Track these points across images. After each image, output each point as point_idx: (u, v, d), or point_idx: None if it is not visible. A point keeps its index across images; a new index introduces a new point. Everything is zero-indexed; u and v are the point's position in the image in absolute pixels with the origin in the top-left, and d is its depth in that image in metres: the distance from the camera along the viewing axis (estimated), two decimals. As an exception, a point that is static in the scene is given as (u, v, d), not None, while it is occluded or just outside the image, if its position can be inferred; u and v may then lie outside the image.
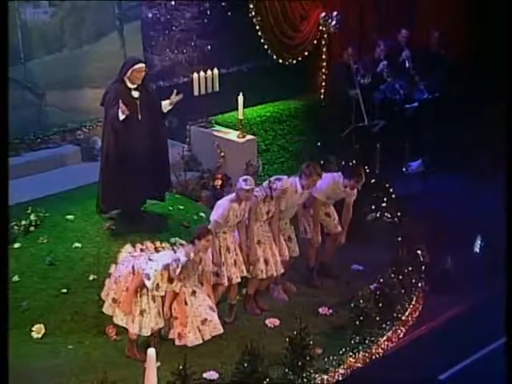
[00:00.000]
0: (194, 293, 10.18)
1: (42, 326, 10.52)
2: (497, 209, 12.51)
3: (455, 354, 10.41)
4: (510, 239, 4.73)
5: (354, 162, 14.65)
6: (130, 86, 11.01)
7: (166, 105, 11.33)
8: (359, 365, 10.26)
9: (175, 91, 11.38)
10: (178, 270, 9.78)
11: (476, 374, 10.09)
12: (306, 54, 15.83)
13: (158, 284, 9.69)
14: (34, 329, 10.50)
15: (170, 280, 9.78)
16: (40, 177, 11.54)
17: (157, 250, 11.07)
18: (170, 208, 12.23)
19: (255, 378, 9.50)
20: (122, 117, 10.78)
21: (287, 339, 10.01)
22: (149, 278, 9.65)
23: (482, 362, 10.40)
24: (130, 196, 11.38)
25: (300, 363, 9.83)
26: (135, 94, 11.04)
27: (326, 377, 9.94)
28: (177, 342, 10.05)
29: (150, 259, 10.02)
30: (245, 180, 10.73)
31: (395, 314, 11.02)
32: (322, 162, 15.06)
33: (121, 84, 11.02)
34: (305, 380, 9.79)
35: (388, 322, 10.88)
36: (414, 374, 9.99)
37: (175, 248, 10.40)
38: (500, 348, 10.66)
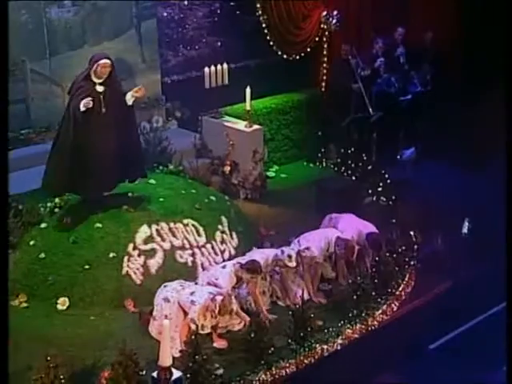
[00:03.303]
0: None
1: (66, 299, 10.57)
2: (483, 193, 12.65)
3: (444, 326, 10.52)
4: (509, 238, 4.69)
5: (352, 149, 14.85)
6: (95, 80, 10.89)
7: (129, 98, 11.11)
8: (356, 336, 10.31)
9: (140, 86, 11.25)
10: (216, 310, 9.71)
11: (462, 344, 10.20)
12: (309, 50, 15.79)
13: (202, 325, 9.56)
14: (59, 301, 10.55)
15: (212, 317, 9.70)
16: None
17: (171, 231, 11.33)
18: (183, 191, 12.22)
19: (261, 347, 9.62)
20: (82, 108, 10.68)
21: (290, 312, 10.18)
22: (194, 323, 9.55)
23: (468, 334, 10.51)
24: (84, 183, 11.23)
25: (302, 334, 9.96)
26: (100, 88, 10.91)
27: (325, 347, 10.01)
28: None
29: (192, 293, 9.89)
30: (289, 256, 10.62)
31: (389, 290, 11.05)
32: (322, 150, 15.29)
33: (86, 77, 10.91)
34: (306, 349, 9.89)
35: (383, 297, 10.92)
36: (407, 344, 10.10)
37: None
38: (484, 321, 10.82)
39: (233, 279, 10.21)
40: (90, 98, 10.78)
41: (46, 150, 12.87)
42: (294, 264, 10.57)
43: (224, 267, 10.35)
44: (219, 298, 9.82)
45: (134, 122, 11.64)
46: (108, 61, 10.88)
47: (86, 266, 10.84)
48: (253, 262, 10.27)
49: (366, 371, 9.84)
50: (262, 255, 10.65)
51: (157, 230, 11.28)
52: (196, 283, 10.46)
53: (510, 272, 4.83)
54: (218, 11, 15.31)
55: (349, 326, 10.39)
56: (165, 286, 10.22)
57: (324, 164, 15.20)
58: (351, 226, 11.68)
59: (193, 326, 9.55)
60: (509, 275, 4.83)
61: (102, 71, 10.84)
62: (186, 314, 9.81)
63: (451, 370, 9.43)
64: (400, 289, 11.21)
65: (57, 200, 11.63)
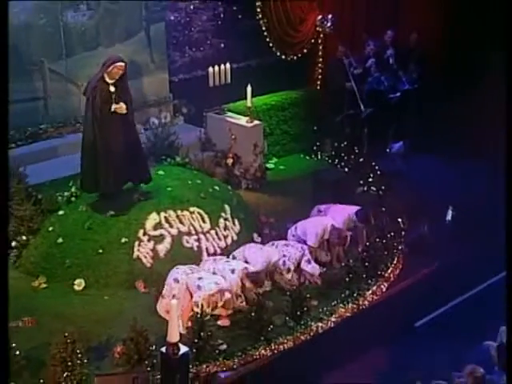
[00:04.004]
0: None
1: (82, 280, 10.61)
2: (466, 183, 12.69)
3: (429, 305, 10.57)
4: (509, 236, 4.62)
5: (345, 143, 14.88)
6: (108, 80, 10.84)
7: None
8: (348, 314, 10.33)
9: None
10: (220, 303, 9.79)
11: (446, 322, 10.25)
12: (305, 51, 15.73)
13: (204, 310, 9.49)
14: (75, 283, 10.58)
15: (215, 307, 9.75)
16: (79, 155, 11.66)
17: (178, 218, 11.33)
18: (189, 182, 12.20)
19: (261, 324, 9.66)
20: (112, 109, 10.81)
21: (288, 293, 10.23)
22: (197, 306, 9.54)
23: (451, 313, 10.56)
24: (102, 180, 11.17)
25: (299, 313, 10.00)
26: (112, 88, 10.85)
27: (320, 324, 10.05)
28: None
29: (199, 278, 9.92)
30: (288, 270, 10.69)
31: (379, 272, 11.07)
32: (318, 144, 15.31)
33: (100, 78, 10.87)
34: (303, 327, 9.94)
35: (373, 279, 10.95)
36: (395, 321, 10.13)
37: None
38: (466, 301, 10.86)
39: (239, 285, 10.16)
40: (123, 105, 10.84)
41: (63, 143, 13.03)
42: (289, 277, 10.60)
43: (233, 272, 10.18)
44: (227, 296, 9.89)
45: (134, 122, 11.60)
46: (123, 63, 10.85)
47: (100, 251, 10.87)
48: (258, 275, 10.26)
49: (357, 347, 9.85)
50: (265, 259, 10.61)
51: (165, 217, 11.29)
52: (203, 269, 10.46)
53: (509, 271, 4.76)
54: (221, 15, 15.26)
55: (342, 305, 10.41)
56: (177, 268, 10.28)
57: (319, 157, 15.15)
58: (340, 214, 11.71)
59: (195, 309, 9.56)
60: (508, 274, 4.76)
61: (116, 72, 10.80)
62: (191, 295, 9.85)
63: (435, 345, 9.47)
64: (389, 271, 11.22)
65: (73, 189, 11.63)
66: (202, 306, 9.49)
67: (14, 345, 8.70)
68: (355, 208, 11.77)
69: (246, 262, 10.60)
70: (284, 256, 10.80)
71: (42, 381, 8.72)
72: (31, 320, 9.23)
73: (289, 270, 10.65)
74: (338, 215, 11.68)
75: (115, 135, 11.01)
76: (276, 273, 10.73)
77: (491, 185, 12.18)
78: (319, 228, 11.34)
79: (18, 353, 8.71)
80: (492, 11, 13.83)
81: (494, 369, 8.49)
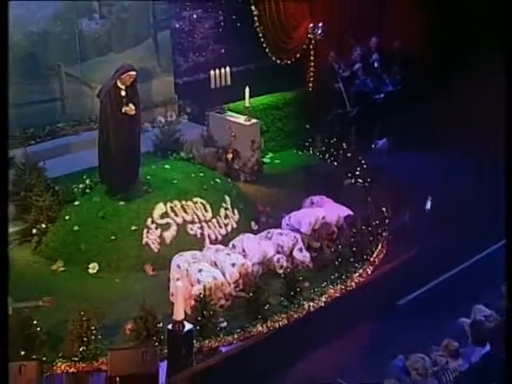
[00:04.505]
0: None
1: (96, 264, 10.66)
2: (443, 175, 12.70)
3: (410, 286, 10.57)
4: (509, 235, 4.54)
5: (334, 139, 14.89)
6: (121, 86, 10.85)
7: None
8: (337, 294, 10.39)
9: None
10: (218, 293, 9.77)
11: (425, 301, 10.26)
12: (298, 55, 15.69)
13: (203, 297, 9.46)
14: (89, 266, 10.64)
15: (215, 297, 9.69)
16: (94, 151, 11.65)
17: (183, 208, 11.36)
18: (193, 175, 12.22)
19: (257, 304, 9.73)
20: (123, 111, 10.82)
21: (283, 275, 10.30)
22: (197, 298, 9.49)
23: (430, 293, 10.57)
24: (115, 174, 11.27)
25: (292, 293, 10.07)
26: (123, 92, 10.86)
27: (311, 303, 10.11)
28: None
29: (199, 270, 9.91)
30: (281, 266, 10.60)
31: (365, 257, 11.11)
32: (310, 140, 15.32)
33: (113, 84, 10.88)
34: (296, 306, 9.99)
35: (359, 263, 10.99)
36: (379, 301, 10.08)
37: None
38: (443, 282, 10.87)
39: (237, 277, 10.17)
40: (133, 107, 10.86)
41: (78, 140, 13.02)
42: (280, 272, 10.52)
43: (233, 265, 10.17)
44: (225, 287, 9.91)
45: (140, 121, 11.64)
46: (134, 72, 10.90)
47: (112, 237, 10.91)
48: (254, 278, 10.19)
49: (345, 324, 9.79)
50: (261, 253, 10.61)
51: (171, 207, 11.32)
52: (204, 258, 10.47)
53: (509, 270, 4.75)
54: (222, 23, 15.21)
55: (331, 286, 10.47)
56: (180, 255, 10.31)
57: (311, 152, 15.11)
58: (333, 211, 11.69)
59: (194, 301, 9.56)
60: (508, 273, 4.75)
61: (128, 79, 10.83)
62: (192, 284, 9.87)
63: (416, 321, 9.48)
64: (374, 256, 11.26)
65: (87, 182, 11.64)
66: (204, 295, 9.44)
67: (35, 322, 8.79)
68: (347, 212, 11.75)
69: (244, 252, 10.61)
70: (278, 253, 10.78)
71: (60, 354, 8.82)
72: (50, 300, 9.26)
73: (281, 267, 10.59)
74: (331, 212, 11.66)
75: (125, 133, 11.06)
76: (270, 265, 10.73)
77: (466, 176, 12.24)
78: (312, 218, 11.36)
79: (38, 329, 8.79)
80: (470, 19, 13.86)
81: (468, 342, 8.55)
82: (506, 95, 4.80)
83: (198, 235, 11.26)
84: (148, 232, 11.00)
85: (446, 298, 9.90)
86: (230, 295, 10.05)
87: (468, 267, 11.05)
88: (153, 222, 11.09)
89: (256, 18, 15.06)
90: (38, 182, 11.53)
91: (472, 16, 13.85)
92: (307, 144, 15.22)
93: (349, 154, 14.39)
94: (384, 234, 11.71)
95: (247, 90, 13.67)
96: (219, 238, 11.38)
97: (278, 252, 10.84)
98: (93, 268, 10.65)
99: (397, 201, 12.31)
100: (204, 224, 11.40)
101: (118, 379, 8.37)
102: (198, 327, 9.14)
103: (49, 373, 8.55)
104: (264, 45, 15.25)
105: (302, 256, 10.90)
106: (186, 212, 11.37)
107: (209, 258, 10.42)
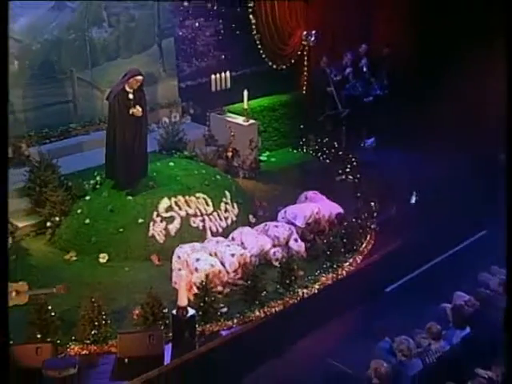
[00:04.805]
0: None
1: (105, 254, 10.65)
2: (427, 172, 12.74)
3: (396, 274, 10.61)
4: (509, 233, 4.56)
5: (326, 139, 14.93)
6: (128, 89, 10.87)
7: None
8: (329, 282, 10.39)
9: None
10: (216, 280, 9.76)
11: (410, 288, 10.30)
12: (293, 61, 15.68)
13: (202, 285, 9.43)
14: (100, 256, 10.63)
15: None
16: (103, 149, 11.65)
17: (186, 202, 11.32)
18: (195, 172, 12.20)
19: (255, 291, 9.73)
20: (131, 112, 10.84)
21: (279, 264, 10.32)
22: (196, 285, 9.52)
23: (415, 280, 10.62)
24: (118, 169, 11.27)
25: (287, 281, 10.06)
26: (130, 96, 10.88)
27: (305, 291, 10.11)
28: None
29: (197, 259, 9.90)
30: (277, 259, 10.54)
31: (354, 247, 11.11)
32: (303, 139, 15.31)
33: (121, 87, 10.91)
34: (291, 293, 10.00)
35: (349, 253, 10.99)
36: (368, 288, 10.08)
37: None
38: (427, 270, 10.91)
39: (236, 267, 10.17)
40: (139, 108, 10.88)
41: (89, 140, 13.00)
42: (276, 264, 10.49)
43: (232, 256, 10.20)
44: (222, 275, 9.91)
45: (147, 122, 11.64)
46: (141, 77, 10.91)
47: (121, 229, 10.90)
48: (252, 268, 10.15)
49: (337, 310, 9.81)
50: (259, 247, 10.59)
51: (175, 202, 11.30)
52: (204, 247, 10.47)
53: (509, 271, 4.80)
54: (222, 31, 15.17)
55: (323, 275, 10.47)
56: (180, 247, 10.31)
57: (305, 150, 15.09)
58: (325, 208, 11.69)
59: (194, 288, 9.58)
60: (508, 273, 4.80)
61: (135, 83, 10.86)
62: (191, 272, 9.87)
63: (402, 306, 9.50)
64: (363, 246, 11.27)
65: (97, 178, 11.63)
66: (203, 283, 9.44)
67: (50, 307, 8.82)
68: (338, 209, 11.73)
69: (243, 244, 10.62)
70: (274, 246, 10.76)
71: (73, 337, 8.84)
72: (64, 287, 9.31)
73: (277, 259, 10.56)
74: (324, 208, 11.67)
75: (131, 133, 11.07)
76: (267, 257, 10.72)
77: (448, 173, 12.27)
78: (307, 212, 11.38)
79: (53, 314, 8.80)
80: (454, 28, 13.90)
81: (449, 325, 8.61)
82: (506, 95, 4.79)
83: (200, 228, 11.24)
84: (154, 225, 10.99)
85: (429, 285, 9.92)
86: (228, 283, 10.07)
87: (449, 257, 11.09)
88: (158, 215, 11.08)
89: (254, 27, 15.05)
90: (52, 178, 11.55)
91: (455, 25, 13.89)
92: (301, 143, 15.21)
93: (340, 152, 14.40)
94: (372, 227, 11.69)
95: (245, 92, 13.69)
96: (220, 230, 11.36)
97: (274, 245, 10.82)
98: (103, 258, 10.65)
99: (384, 195, 12.29)
100: (206, 217, 11.39)
101: (126, 360, 8.49)
102: (200, 313, 9.16)
103: (63, 354, 8.54)
104: (261, 51, 15.24)
105: (297, 246, 10.91)
106: (189, 206, 11.36)
107: (210, 248, 10.42)
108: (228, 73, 14.33)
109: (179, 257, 10.16)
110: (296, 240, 10.97)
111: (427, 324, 8.35)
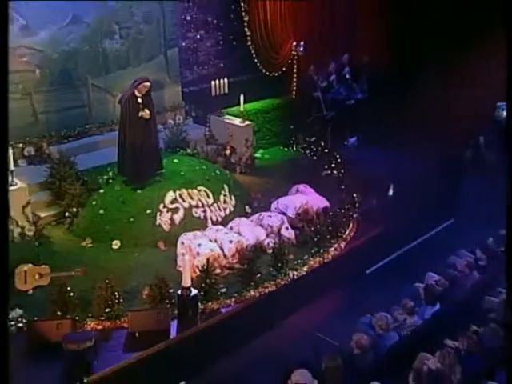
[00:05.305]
0: None
1: (118, 241, 10.63)
2: (402, 167, 12.75)
3: (376, 257, 10.66)
4: (510, 232, 4.49)
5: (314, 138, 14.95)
6: (137, 94, 10.86)
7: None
8: (316, 265, 10.38)
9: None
10: (215, 263, 9.75)
11: (389, 270, 10.35)
12: (284, 69, 15.68)
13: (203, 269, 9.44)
14: (113, 243, 10.61)
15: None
16: (115, 148, 11.63)
17: (189, 195, 11.27)
18: (197, 167, 12.17)
19: (251, 273, 9.74)
20: (140, 115, 10.82)
21: (271, 250, 10.32)
22: (198, 268, 9.52)
23: (392, 263, 10.66)
24: (129, 167, 11.23)
25: (279, 264, 10.07)
26: (139, 100, 10.88)
27: (295, 272, 10.12)
28: None
29: (199, 245, 9.91)
30: (271, 248, 10.42)
31: (339, 234, 11.09)
32: (293, 139, 15.24)
33: (131, 93, 10.90)
34: (282, 275, 10.01)
35: (334, 239, 10.98)
36: (351, 270, 10.18)
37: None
38: (403, 254, 10.94)
39: (234, 252, 10.18)
40: (147, 111, 10.86)
41: (103, 139, 12.95)
42: (270, 252, 10.43)
43: (231, 242, 10.20)
44: (221, 258, 9.92)
45: (156, 124, 11.60)
46: (149, 83, 10.91)
47: (131, 219, 10.89)
48: (248, 253, 10.12)
49: (323, 290, 9.87)
50: (255, 237, 10.56)
51: (179, 194, 11.28)
52: (205, 235, 10.46)
53: (509, 272, 4.77)
54: (221, 42, 15.17)
55: (311, 258, 10.47)
56: (184, 235, 10.32)
57: (294, 148, 15.09)
58: (313, 200, 11.68)
59: (197, 271, 9.57)
60: (508, 275, 4.76)
61: (143, 89, 10.86)
62: (194, 256, 9.88)
63: (381, 286, 9.55)
64: (346, 233, 11.25)
65: (110, 174, 11.62)
66: (204, 266, 9.46)
67: (69, 288, 8.85)
68: (325, 202, 11.70)
69: (240, 234, 10.60)
70: (268, 236, 10.72)
71: (90, 314, 8.86)
72: (81, 270, 9.35)
73: (270, 248, 10.48)
74: (312, 200, 11.66)
75: (141, 134, 11.05)
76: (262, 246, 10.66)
77: (423, 167, 12.28)
78: (297, 203, 11.38)
79: (72, 294, 8.83)
80: (425, 38, 13.96)
81: (421, 302, 8.66)
82: (506, 96, 4.79)
83: (202, 217, 11.23)
84: (160, 215, 10.97)
85: (405, 267, 9.96)
86: (227, 266, 10.08)
87: (422, 242, 11.12)
88: (164, 206, 11.07)
89: (249, 38, 15.04)
90: (70, 173, 11.51)
91: (427, 34, 13.96)
92: (291, 142, 15.19)
93: (326, 150, 14.38)
94: (354, 216, 11.68)
95: (242, 97, 13.65)
96: (219, 219, 11.35)
97: (268, 234, 10.79)
98: (115, 244, 10.64)
99: (365, 188, 12.28)
100: (207, 208, 11.38)
101: (137, 334, 8.54)
102: (202, 292, 9.17)
103: (81, 329, 8.58)
104: (255, 60, 15.23)
105: (288, 233, 10.91)
106: (191, 198, 11.34)
107: (210, 236, 10.43)
108: (226, 79, 14.30)
109: (183, 243, 10.17)
110: (287, 228, 10.96)
111: (402, 301, 8.39)
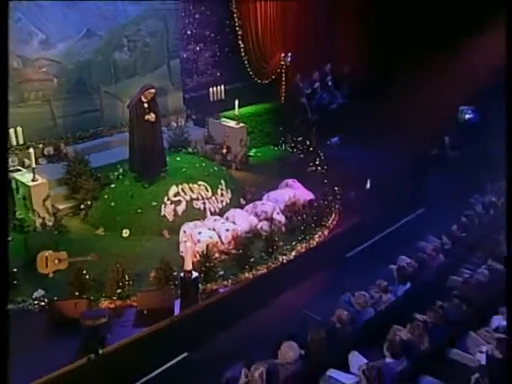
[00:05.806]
0: None
1: (127, 230, 10.63)
2: (377, 163, 12.77)
3: (355, 243, 10.57)
4: (509, 240, 4.43)
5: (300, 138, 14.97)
6: (144, 100, 10.85)
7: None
8: (303, 250, 10.43)
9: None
10: (214, 249, 9.73)
11: (366, 254, 10.35)
12: (273, 77, 15.73)
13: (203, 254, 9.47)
14: (123, 232, 10.62)
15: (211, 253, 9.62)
16: (124, 148, 11.69)
17: (190, 189, 11.26)
18: (197, 165, 12.16)
19: (245, 258, 9.78)
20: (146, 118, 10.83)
21: (264, 237, 10.35)
22: (198, 254, 9.53)
23: (370, 247, 10.65)
24: (140, 166, 11.20)
25: (270, 250, 10.12)
26: (146, 105, 10.87)
27: (284, 257, 10.16)
28: None
29: (199, 233, 9.90)
30: (265, 231, 10.40)
31: (323, 223, 11.12)
32: (282, 139, 15.20)
33: (138, 98, 10.88)
34: (273, 259, 10.05)
35: (319, 227, 11.01)
36: (332, 254, 10.08)
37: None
38: (379, 240, 10.87)
39: (230, 239, 10.18)
40: (153, 115, 10.84)
41: (113, 140, 12.92)
42: (263, 234, 10.39)
43: (227, 230, 10.20)
44: (220, 248, 9.91)
45: (161, 126, 11.58)
46: (154, 90, 10.89)
47: (139, 210, 10.89)
48: (242, 240, 10.10)
49: (308, 272, 9.72)
50: (249, 224, 10.56)
51: (181, 188, 11.28)
52: (205, 224, 10.47)
53: (509, 274, 4.72)
54: (218, 53, 15.17)
55: (298, 244, 10.52)
56: (186, 224, 10.33)
57: (283, 147, 15.10)
58: (300, 194, 11.70)
59: (197, 255, 9.57)
60: (508, 277, 4.70)
61: (149, 95, 10.84)
62: (195, 243, 9.89)
63: (359, 268, 9.50)
64: (329, 222, 11.27)
65: (120, 170, 11.60)
66: (204, 252, 9.48)
67: (84, 271, 8.90)
68: (311, 195, 11.70)
69: (235, 223, 10.62)
70: (260, 221, 10.71)
71: (103, 294, 8.91)
72: (96, 255, 9.42)
73: (264, 230, 10.48)
74: (299, 194, 11.67)
75: (147, 135, 11.06)
76: (256, 230, 10.67)
77: (396, 164, 12.31)
78: (286, 196, 11.41)
79: (87, 277, 8.88)
80: (402, 47, 14.00)
81: (395, 282, 8.72)
82: (506, 96, 4.81)
83: (202, 209, 11.25)
84: (165, 207, 10.98)
85: (380, 251, 9.95)
86: (224, 252, 10.10)
87: (395, 229, 11.09)
88: (168, 199, 11.07)
89: (242, 50, 15.05)
90: (84, 170, 11.54)
91: (401, 43, 14.00)
92: (281, 141, 15.19)
93: (311, 149, 14.43)
94: (336, 207, 11.70)
95: (237, 102, 13.63)
96: (217, 210, 11.36)
97: (261, 220, 10.79)
98: (125, 233, 10.65)
99: (346, 182, 12.29)
100: (206, 201, 11.39)
101: (145, 312, 8.60)
102: (202, 275, 9.20)
103: (95, 307, 8.64)
104: (248, 69, 15.25)
105: (279, 217, 10.91)
106: (192, 192, 11.35)
107: (209, 225, 10.45)
108: (222, 86, 14.38)
109: (185, 231, 10.20)
110: (278, 213, 11.00)
111: (378, 281, 8.44)
